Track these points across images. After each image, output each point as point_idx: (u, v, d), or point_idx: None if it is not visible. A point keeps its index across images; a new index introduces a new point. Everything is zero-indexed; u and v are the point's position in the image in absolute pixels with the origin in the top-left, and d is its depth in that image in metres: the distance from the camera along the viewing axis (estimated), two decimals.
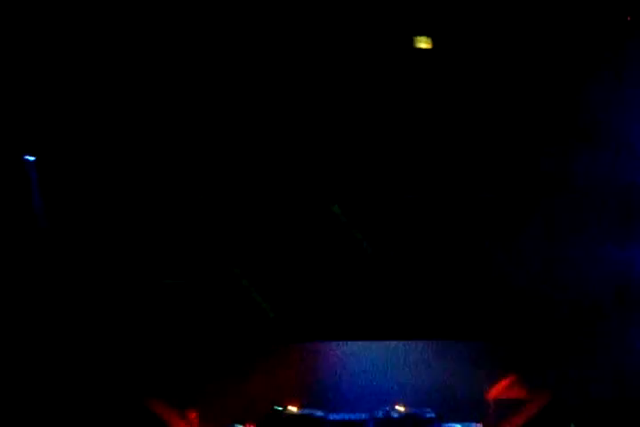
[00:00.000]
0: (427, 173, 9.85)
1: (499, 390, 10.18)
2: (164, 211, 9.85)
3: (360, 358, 10.43)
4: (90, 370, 9.78)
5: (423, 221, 9.97)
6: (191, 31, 9.57)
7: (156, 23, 9.60)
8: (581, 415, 9.69)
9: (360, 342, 10.35)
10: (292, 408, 9.99)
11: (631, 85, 9.47)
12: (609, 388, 9.68)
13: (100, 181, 9.77)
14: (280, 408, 9.92)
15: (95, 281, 9.80)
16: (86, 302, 9.80)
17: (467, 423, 9.82)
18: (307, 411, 9.99)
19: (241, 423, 9.89)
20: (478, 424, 9.79)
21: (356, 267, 10.12)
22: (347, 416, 9.91)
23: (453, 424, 9.80)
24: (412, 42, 9.68)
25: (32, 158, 9.39)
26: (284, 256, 10.14)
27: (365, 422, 9.85)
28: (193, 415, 10.09)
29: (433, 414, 9.83)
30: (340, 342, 10.36)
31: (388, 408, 9.95)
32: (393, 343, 10.39)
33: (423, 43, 9.56)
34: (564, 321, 9.81)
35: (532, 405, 10.00)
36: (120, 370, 9.91)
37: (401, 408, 9.93)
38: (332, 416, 9.92)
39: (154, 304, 10.01)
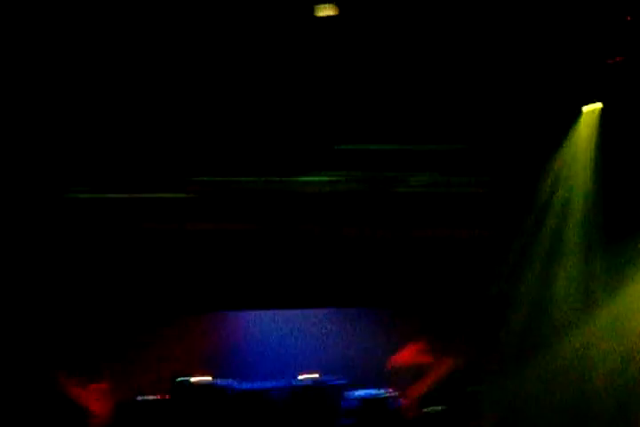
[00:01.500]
0: None
1: (406, 355, 10.37)
2: None
3: (268, 327, 10.46)
4: None
5: None
6: None
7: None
8: (484, 380, 9.95)
9: (268, 311, 10.34)
10: (199, 377, 9.92)
11: None
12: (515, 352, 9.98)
13: None
14: (186, 379, 9.81)
15: None
16: None
17: (376, 389, 9.96)
18: (216, 381, 9.93)
19: (147, 394, 9.73)
20: (388, 389, 9.94)
21: (261, 235, 10.06)
22: (256, 385, 9.91)
23: (363, 390, 9.94)
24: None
25: None
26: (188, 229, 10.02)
27: (275, 390, 9.86)
28: (101, 388, 9.88)
29: (343, 381, 9.94)
30: (247, 312, 10.34)
31: (298, 376, 10.00)
32: (301, 312, 10.44)
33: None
34: (472, 286, 10.01)
35: (438, 370, 10.22)
36: (26, 345, 9.59)
37: (311, 376, 10.00)
38: (242, 385, 9.90)
39: (55, 274, 9.72)
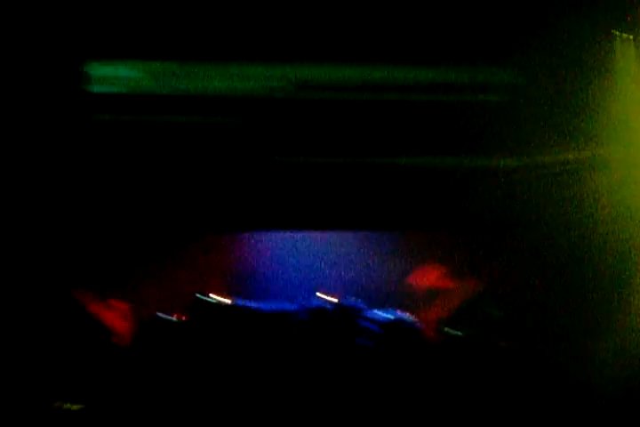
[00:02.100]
0: None
1: (427, 279, 10.30)
2: None
3: (288, 248, 10.43)
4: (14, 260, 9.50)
5: None
6: None
7: None
8: (507, 304, 9.86)
9: (286, 233, 10.28)
10: (219, 298, 9.93)
11: None
12: (537, 277, 9.87)
13: None
14: (206, 297, 9.83)
15: None
16: None
17: (396, 312, 9.90)
18: (236, 301, 9.94)
19: (169, 314, 9.77)
20: (407, 313, 9.88)
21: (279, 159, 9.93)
22: (277, 306, 9.90)
23: (382, 312, 9.89)
24: None
25: None
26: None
27: (294, 311, 9.85)
28: (120, 306, 9.95)
29: (362, 304, 9.89)
30: (264, 232, 10.28)
31: (316, 298, 9.97)
32: (322, 234, 10.37)
33: None
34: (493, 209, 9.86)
35: (459, 294, 10.13)
36: (45, 261, 9.64)
37: (330, 298, 9.96)
38: (263, 306, 9.90)
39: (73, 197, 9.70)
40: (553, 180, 9.94)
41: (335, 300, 9.97)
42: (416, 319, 9.85)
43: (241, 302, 9.91)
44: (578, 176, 9.90)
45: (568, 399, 8.90)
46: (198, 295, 9.90)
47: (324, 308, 9.85)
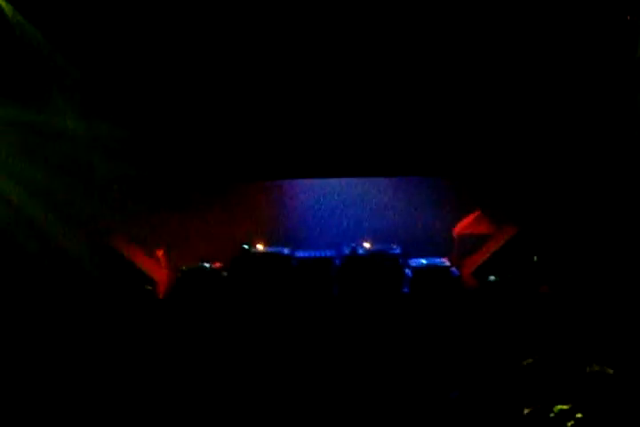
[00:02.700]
0: None
1: (464, 225, 10.26)
2: None
3: (323, 196, 10.50)
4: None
5: None
6: None
7: None
8: (545, 249, 9.79)
9: (322, 180, 10.32)
10: (259, 246, 10.01)
11: None
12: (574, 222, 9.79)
13: None
14: (247, 247, 9.90)
15: None
16: None
17: (433, 259, 9.90)
18: (274, 249, 10.02)
19: (208, 262, 9.87)
20: (444, 259, 9.87)
21: (314, 108, 9.88)
22: (314, 253, 9.97)
23: (419, 259, 9.89)
24: None
25: None
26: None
27: (332, 258, 9.91)
28: (160, 254, 10.08)
29: (399, 250, 9.91)
30: (302, 180, 10.34)
31: (354, 245, 10.00)
32: (355, 181, 10.37)
33: None
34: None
35: (496, 239, 10.09)
36: (83, 208, 9.77)
37: (367, 245, 9.99)
38: (300, 253, 9.99)
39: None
40: None
41: (371, 246, 9.97)
42: (452, 265, 9.83)
43: (278, 250, 9.97)
44: None
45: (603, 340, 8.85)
46: (243, 245, 9.94)
47: (358, 254, 9.88)
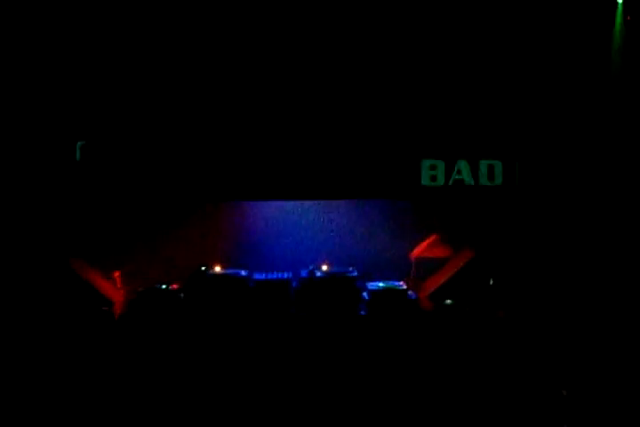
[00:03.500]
0: None
1: (421, 249, 10.31)
2: None
3: (281, 218, 10.48)
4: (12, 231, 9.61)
5: None
6: None
7: None
8: (501, 272, 9.86)
9: (280, 202, 10.33)
10: (217, 268, 9.99)
11: None
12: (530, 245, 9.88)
13: None
14: (204, 268, 9.89)
15: None
16: None
17: (390, 282, 9.93)
18: (231, 271, 10.00)
19: (165, 284, 9.84)
20: (401, 282, 9.91)
21: (276, 128, 9.93)
22: (271, 275, 9.96)
23: (377, 282, 9.92)
24: None
25: None
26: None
27: (289, 281, 9.90)
28: (116, 275, 10.04)
29: (356, 273, 9.93)
30: (261, 203, 10.34)
31: (311, 268, 10.01)
32: (314, 203, 10.41)
33: None
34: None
35: (453, 263, 10.15)
36: (43, 231, 9.74)
37: (325, 267, 10.00)
38: (257, 275, 9.96)
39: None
40: None
41: (329, 268, 9.99)
42: (409, 288, 9.87)
43: (236, 271, 9.96)
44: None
45: (561, 366, 8.92)
46: (197, 267, 9.92)
47: (316, 277, 9.89)
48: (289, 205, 10.37)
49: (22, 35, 9.44)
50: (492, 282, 9.75)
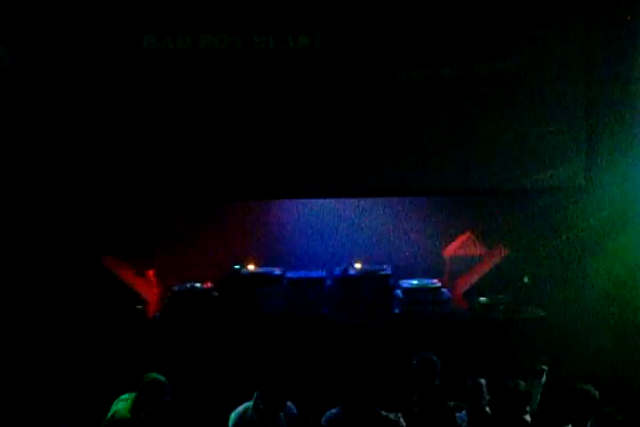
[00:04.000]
0: None
1: (455, 246, 10.29)
2: None
3: (315, 216, 10.46)
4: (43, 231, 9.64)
5: None
6: None
7: None
8: (536, 271, 9.80)
9: (314, 200, 10.30)
10: (250, 266, 10.00)
11: None
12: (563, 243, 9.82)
13: None
14: (238, 267, 9.89)
15: None
16: None
17: (424, 279, 9.90)
18: (265, 269, 10.01)
19: (198, 282, 9.86)
20: (435, 280, 9.88)
21: (305, 126, 9.87)
22: (305, 274, 9.96)
23: (411, 280, 9.90)
24: None
25: None
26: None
27: (323, 279, 9.90)
28: (151, 274, 10.07)
29: (390, 271, 9.90)
30: (294, 201, 10.33)
31: (345, 265, 10.00)
32: (348, 201, 10.39)
33: None
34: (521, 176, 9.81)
35: (487, 261, 10.11)
36: (76, 230, 9.77)
37: (358, 265, 9.99)
38: (290, 274, 9.97)
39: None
40: None
41: (363, 266, 9.97)
42: (442, 285, 9.84)
43: (269, 270, 9.96)
44: None
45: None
46: (232, 266, 9.92)
47: (350, 274, 9.88)
48: (323, 202, 10.33)
49: None
50: (526, 280, 9.66)
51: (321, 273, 9.98)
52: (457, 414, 7.54)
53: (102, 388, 8.26)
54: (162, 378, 7.26)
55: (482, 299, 9.76)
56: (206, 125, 9.75)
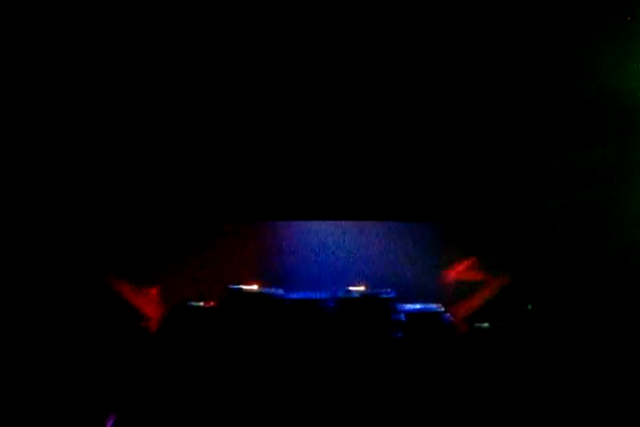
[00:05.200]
0: None
1: (458, 271, 10.27)
2: None
3: (317, 238, 10.46)
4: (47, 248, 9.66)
5: None
6: None
7: None
8: (540, 296, 9.78)
9: (317, 223, 10.30)
10: (252, 287, 9.98)
11: None
12: (568, 269, 9.80)
13: None
14: (237, 287, 9.89)
15: None
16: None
17: (427, 304, 9.88)
18: (266, 290, 9.99)
19: (200, 301, 9.85)
20: (438, 305, 9.86)
21: (311, 148, 9.92)
22: (307, 295, 9.94)
23: (413, 304, 9.87)
24: None
25: None
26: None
27: (325, 301, 9.87)
28: (153, 292, 10.07)
29: (393, 294, 9.88)
30: (297, 222, 10.33)
31: (347, 288, 9.99)
32: (351, 224, 10.38)
33: None
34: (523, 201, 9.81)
35: (490, 286, 10.09)
36: (79, 247, 9.78)
37: (360, 288, 9.97)
38: (292, 295, 9.94)
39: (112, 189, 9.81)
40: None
41: (364, 289, 9.96)
42: (445, 310, 9.81)
43: (271, 291, 9.95)
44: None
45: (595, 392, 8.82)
46: (231, 285, 9.93)
47: (352, 297, 9.86)
48: (326, 225, 10.33)
49: None
50: (530, 307, 9.64)
51: (323, 295, 9.94)
52: None
53: (100, 404, 8.23)
54: None
55: (484, 325, 9.71)
56: (209, 145, 9.74)
